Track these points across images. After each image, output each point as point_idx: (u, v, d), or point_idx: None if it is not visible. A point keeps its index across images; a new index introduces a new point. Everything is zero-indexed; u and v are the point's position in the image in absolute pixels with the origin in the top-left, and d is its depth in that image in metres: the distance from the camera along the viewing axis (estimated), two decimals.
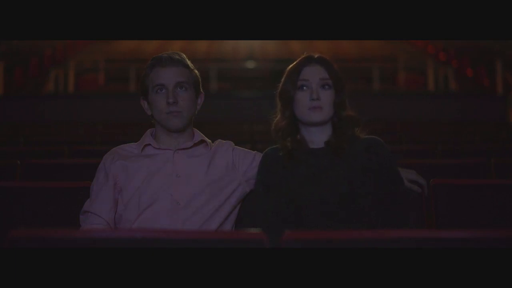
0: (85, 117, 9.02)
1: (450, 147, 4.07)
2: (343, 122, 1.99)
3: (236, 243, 1.14)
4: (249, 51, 13.43)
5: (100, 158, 2.07)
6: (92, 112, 9.36)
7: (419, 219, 2.10)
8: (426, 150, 3.85)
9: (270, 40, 12.91)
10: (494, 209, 2.09)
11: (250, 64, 12.51)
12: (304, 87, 1.97)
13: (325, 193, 1.89)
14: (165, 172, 1.98)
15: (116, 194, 1.98)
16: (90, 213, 1.97)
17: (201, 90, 2.11)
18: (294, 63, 2.02)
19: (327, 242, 1.15)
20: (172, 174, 1.98)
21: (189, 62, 2.07)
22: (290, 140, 1.98)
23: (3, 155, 3.59)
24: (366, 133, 2.02)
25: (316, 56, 2.02)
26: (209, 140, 2.09)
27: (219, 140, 2.13)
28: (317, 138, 1.99)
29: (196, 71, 2.09)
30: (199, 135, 2.08)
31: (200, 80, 2.10)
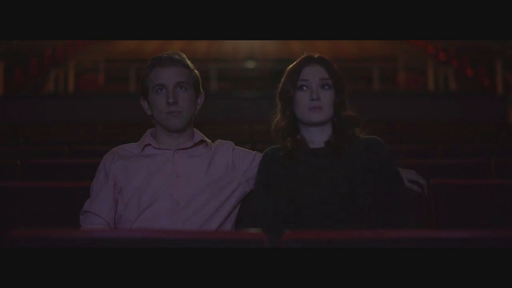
0: (85, 117, 9.03)
1: (450, 147, 4.07)
2: (343, 122, 1.99)
3: (236, 243, 1.14)
4: (249, 51, 13.43)
5: (100, 158, 2.07)
6: (92, 112, 9.37)
7: (419, 219, 2.10)
8: (426, 150, 3.85)
9: (270, 40, 12.91)
10: (494, 209, 2.09)
11: (250, 64, 12.51)
12: (304, 87, 1.97)
13: (325, 193, 1.89)
14: (165, 172, 1.98)
15: (116, 194, 1.98)
16: (90, 213, 1.97)
17: (201, 90, 2.11)
18: (294, 63, 2.02)
19: (327, 242, 1.15)
20: (172, 174, 1.98)
21: (189, 62, 2.07)
22: (290, 140, 1.98)
23: (3, 155, 3.59)
24: (366, 133, 2.02)
25: (316, 56, 2.02)
26: (209, 140, 2.09)
27: (219, 140, 2.13)
28: (317, 138, 1.99)
29: (196, 71, 2.09)
30: (199, 135, 2.08)
31: (200, 80, 2.10)
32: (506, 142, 4.90)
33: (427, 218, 2.13)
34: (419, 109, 9.40)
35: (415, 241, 1.14)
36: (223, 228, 1.98)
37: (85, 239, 1.16)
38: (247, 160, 2.08)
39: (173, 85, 2.00)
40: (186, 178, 1.98)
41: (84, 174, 2.36)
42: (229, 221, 2.01)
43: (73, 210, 2.05)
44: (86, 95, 10.85)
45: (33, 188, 2.18)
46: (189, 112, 2.02)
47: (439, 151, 3.73)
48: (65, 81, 11.27)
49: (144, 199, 1.94)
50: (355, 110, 2.02)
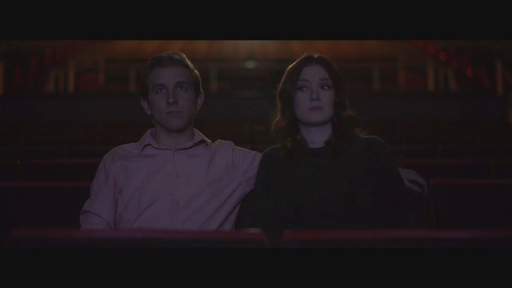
0: (85, 117, 9.03)
1: (450, 147, 4.07)
2: (343, 122, 1.98)
3: (236, 243, 1.14)
4: (249, 51, 13.43)
5: (100, 158, 2.07)
6: (92, 112, 9.37)
7: (419, 219, 2.10)
8: (426, 150, 3.85)
9: (270, 40, 12.91)
10: (494, 209, 2.09)
11: (250, 64, 12.51)
12: (304, 88, 1.97)
13: (325, 193, 1.89)
14: (165, 172, 1.98)
15: (116, 194, 1.98)
16: (90, 213, 1.97)
17: (201, 90, 2.11)
18: (294, 63, 2.02)
19: (327, 242, 1.15)
20: (172, 174, 1.98)
21: (189, 62, 2.07)
22: (290, 140, 1.98)
23: (3, 155, 3.59)
24: (366, 133, 2.02)
25: (316, 56, 2.02)
26: (209, 140, 2.09)
27: (219, 140, 2.13)
28: (317, 138, 1.99)
29: (196, 71, 2.09)
30: (199, 135, 2.08)
31: (200, 80, 2.10)
32: (506, 142, 4.90)
33: (427, 218, 2.13)
34: (419, 109, 9.40)
35: (415, 241, 1.14)
36: (223, 228, 1.98)
37: (85, 239, 1.16)
38: (247, 160, 2.08)
39: (173, 85, 2.00)
40: (186, 178, 1.98)
41: (84, 174, 2.36)
42: (229, 221, 2.01)
43: (73, 210, 2.05)
44: (86, 95, 10.85)
45: (33, 188, 2.18)
46: (189, 112, 2.02)
47: (439, 151, 3.73)
48: (65, 81, 11.27)
49: (144, 199, 1.94)
50: (355, 110, 2.02)
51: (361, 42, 13.49)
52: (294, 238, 1.14)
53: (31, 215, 2.10)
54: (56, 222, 2.08)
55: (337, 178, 1.91)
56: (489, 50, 12.53)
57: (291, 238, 1.14)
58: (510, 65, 11.07)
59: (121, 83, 11.19)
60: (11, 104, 9.74)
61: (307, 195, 1.89)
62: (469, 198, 2.12)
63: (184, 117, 2.01)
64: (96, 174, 2.04)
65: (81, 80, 11.70)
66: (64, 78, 11.30)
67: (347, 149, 1.95)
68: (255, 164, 2.06)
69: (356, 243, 1.14)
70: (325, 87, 1.97)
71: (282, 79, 2.02)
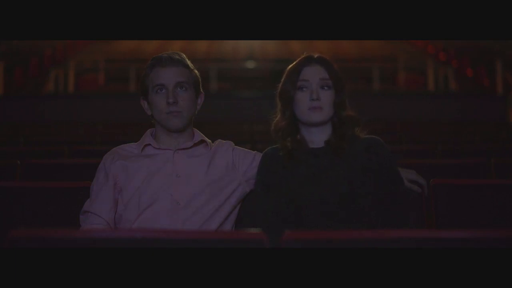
0: (85, 117, 9.03)
1: (450, 147, 4.07)
2: (343, 122, 1.98)
3: (236, 243, 1.14)
4: (249, 51, 13.43)
5: (100, 158, 2.07)
6: (92, 112, 9.37)
7: (419, 219, 2.10)
8: (426, 150, 3.85)
9: (270, 40, 12.91)
10: (494, 209, 2.09)
11: (250, 64, 12.51)
12: (304, 88, 1.97)
13: (325, 193, 1.89)
14: (165, 172, 1.98)
15: (116, 194, 1.98)
16: (90, 213, 1.97)
17: (201, 90, 2.11)
18: (294, 63, 2.02)
19: (327, 242, 1.15)
20: (172, 174, 1.98)
21: (189, 62, 2.07)
22: (290, 140, 1.98)
23: (3, 155, 3.59)
24: (366, 133, 2.02)
25: (316, 56, 2.02)
26: (209, 140, 2.09)
27: (219, 140, 2.13)
28: (317, 138, 1.99)
29: (196, 71, 2.09)
30: (199, 135, 2.08)
31: (200, 80, 2.10)
32: (506, 142, 4.90)
33: (427, 218, 2.13)
34: (419, 109, 9.40)
35: (415, 241, 1.14)
36: (223, 228, 1.98)
37: (85, 239, 1.16)
38: (247, 160, 2.08)
39: (173, 85, 2.00)
40: (186, 178, 1.98)
41: (84, 174, 2.36)
42: (229, 221, 2.01)
43: (73, 210, 2.05)
44: (86, 95, 10.85)
45: (33, 188, 2.18)
46: (189, 112, 2.02)
47: (439, 151, 3.73)
48: (65, 81, 11.27)
49: (144, 199, 1.94)
50: (355, 110, 2.02)
51: (361, 42, 13.49)
52: (294, 238, 1.14)
53: (31, 215, 2.10)
54: (56, 222, 2.08)
55: (337, 178, 1.91)
56: (489, 50, 12.53)
57: (291, 238, 1.14)
58: (510, 65, 11.07)
59: (121, 83, 11.19)
60: (11, 104, 9.74)
61: (307, 195, 1.89)
62: (469, 198, 2.12)
63: (184, 117, 2.01)
64: (96, 174, 2.04)
65: (81, 80, 11.71)
66: (64, 78, 11.30)
67: (347, 149, 1.95)
68: (255, 164, 2.06)
69: (356, 243, 1.14)
70: (325, 87, 1.97)
71: (282, 79, 2.02)
